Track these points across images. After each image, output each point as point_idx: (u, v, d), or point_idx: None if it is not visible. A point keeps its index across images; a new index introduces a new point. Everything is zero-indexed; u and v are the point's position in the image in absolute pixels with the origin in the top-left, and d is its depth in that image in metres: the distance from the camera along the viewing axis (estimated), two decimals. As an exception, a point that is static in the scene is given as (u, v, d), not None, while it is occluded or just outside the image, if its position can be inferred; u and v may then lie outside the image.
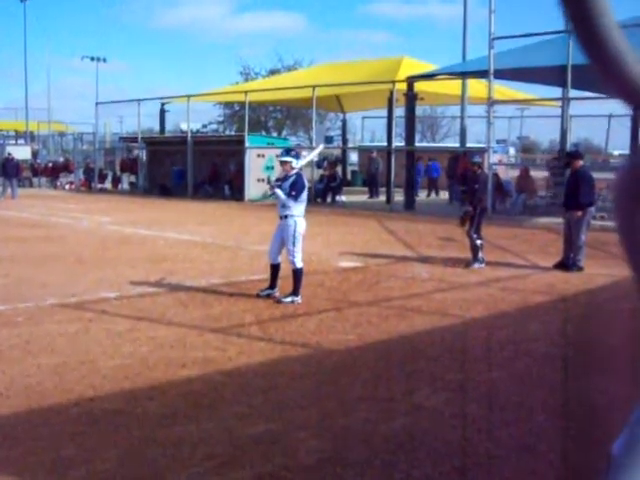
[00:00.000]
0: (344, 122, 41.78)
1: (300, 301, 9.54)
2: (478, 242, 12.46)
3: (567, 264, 12.19)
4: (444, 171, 29.27)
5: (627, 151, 28.52)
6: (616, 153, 26.44)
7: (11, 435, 5.09)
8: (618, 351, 7.17)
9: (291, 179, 9.81)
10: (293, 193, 9.58)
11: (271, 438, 5.08)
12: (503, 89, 28.46)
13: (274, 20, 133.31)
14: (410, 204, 24.93)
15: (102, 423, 5.31)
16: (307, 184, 10.14)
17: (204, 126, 58.75)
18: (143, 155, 35.97)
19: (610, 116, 31.68)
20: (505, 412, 5.77)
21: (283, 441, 5.04)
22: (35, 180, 40.54)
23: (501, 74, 22.52)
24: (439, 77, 26.67)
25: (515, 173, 26.79)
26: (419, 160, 29.03)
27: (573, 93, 21.04)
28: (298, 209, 9.74)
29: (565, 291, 10.71)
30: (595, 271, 12.21)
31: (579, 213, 12.15)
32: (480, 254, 12.52)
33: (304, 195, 9.86)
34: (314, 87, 27.84)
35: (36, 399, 5.74)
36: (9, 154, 32.86)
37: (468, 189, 12.77)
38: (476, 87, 26.60)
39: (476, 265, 12.41)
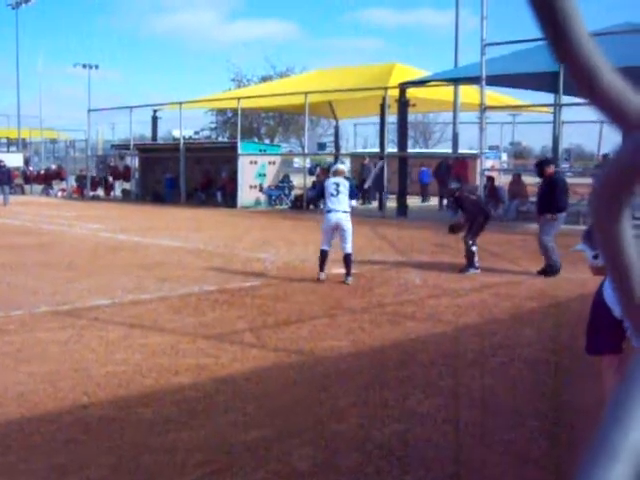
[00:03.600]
0: (336, 129, 41.82)
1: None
2: (473, 248, 12.48)
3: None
4: (433, 176, 29.34)
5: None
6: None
7: (4, 443, 5.07)
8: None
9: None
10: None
11: (264, 445, 5.08)
12: (495, 95, 28.58)
13: (266, 27, 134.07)
14: (402, 210, 24.97)
15: (95, 430, 5.30)
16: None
17: (196, 133, 58.77)
18: (135, 162, 35.96)
19: (602, 122, 31.70)
20: (498, 418, 5.78)
21: (276, 448, 5.04)
22: (27, 187, 40.46)
23: (493, 80, 22.60)
24: (431, 83, 26.75)
25: (508, 179, 26.86)
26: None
27: (565, 99, 21.13)
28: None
29: (558, 297, 10.74)
30: (588, 276, 12.23)
31: (549, 216, 12.30)
32: (475, 260, 12.55)
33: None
34: (306, 94, 27.88)
35: (29, 407, 5.73)
36: (1, 161, 32.81)
37: (466, 208, 12.77)
38: (468, 93, 26.69)
39: (471, 271, 12.43)
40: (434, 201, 28.96)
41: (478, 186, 22.51)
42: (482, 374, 6.94)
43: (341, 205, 11.52)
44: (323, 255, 11.67)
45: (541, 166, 12.99)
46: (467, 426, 5.58)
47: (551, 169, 12.66)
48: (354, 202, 11.94)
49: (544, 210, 12.47)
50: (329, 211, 11.64)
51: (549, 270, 12.10)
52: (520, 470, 4.80)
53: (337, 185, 11.62)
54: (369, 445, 5.10)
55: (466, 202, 12.68)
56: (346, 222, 11.56)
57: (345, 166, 13.79)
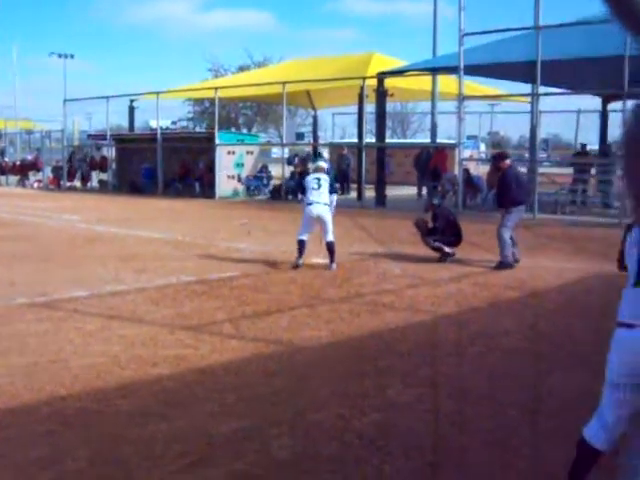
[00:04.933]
0: (315, 118, 41.76)
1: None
2: (436, 244, 12.64)
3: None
4: (412, 166, 29.34)
5: (596, 146, 28.75)
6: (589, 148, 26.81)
7: (-20, 436, 5.03)
8: (588, 345, 7.25)
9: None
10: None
11: (244, 435, 5.07)
12: (474, 85, 28.63)
13: (242, 17, 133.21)
14: (381, 200, 24.99)
15: (73, 422, 5.26)
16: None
17: (173, 123, 58.40)
18: (112, 152, 35.71)
19: (579, 112, 31.90)
20: (477, 406, 5.80)
21: (256, 438, 5.03)
22: (2, 178, 40.09)
23: (471, 70, 22.63)
24: (409, 73, 26.75)
25: (486, 169, 26.94)
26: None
27: (542, 89, 21.20)
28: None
29: (536, 286, 10.80)
30: (565, 265, 12.34)
31: (503, 211, 12.38)
32: (447, 249, 12.63)
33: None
34: (284, 83, 27.79)
35: (5, 399, 5.68)
36: None
37: (439, 226, 12.85)
38: (446, 83, 26.70)
39: (448, 257, 12.55)
40: (411, 190, 28.94)
41: (457, 175, 22.60)
42: (461, 363, 6.97)
43: (322, 198, 12.04)
44: (302, 244, 11.98)
45: (496, 160, 13.07)
46: (446, 415, 5.60)
47: (506, 163, 12.67)
48: (335, 196, 12.44)
49: (500, 204, 12.56)
50: (310, 203, 12.08)
51: (500, 265, 12.10)
52: (500, 458, 4.82)
53: (318, 180, 12.18)
54: (349, 435, 5.10)
55: (443, 221, 12.80)
56: (327, 214, 12.06)
57: (325, 161, 14.15)
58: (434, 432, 5.31)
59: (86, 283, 10.58)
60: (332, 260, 11.96)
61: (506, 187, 12.33)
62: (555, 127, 48.02)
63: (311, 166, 12.84)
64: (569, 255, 13.62)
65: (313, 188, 12.09)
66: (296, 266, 11.89)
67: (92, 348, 7.20)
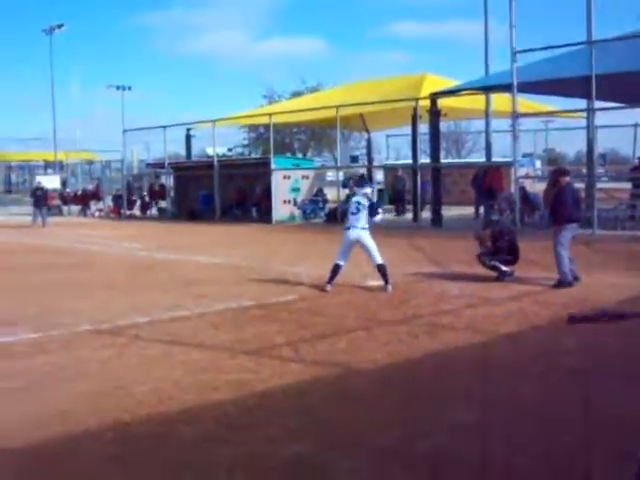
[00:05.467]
0: (369, 141, 41.82)
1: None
2: (492, 262, 12.55)
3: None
4: (470, 185, 29.11)
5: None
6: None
7: (46, 462, 5.14)
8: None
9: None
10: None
11: (306, 460, 5.07)
12: (528, 102, 28.36)
13: (295, 44, 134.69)
14: (437, 220, 24.88)
15: (137, 448, 5.34)
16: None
17: (230, 150, 59.18)
18: (170, 181, 36.29)
19: (636, 125, 31.42)
20: (539, 428, 5.71)
21: (318, 462, 5.03)
22: (65, 208, 41.02)
23: (525, 87, 22.45)
24: (462, 92, 26.65)
25: (542, 186, 26.59)
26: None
27: (598, 104, 20.93)
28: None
29: (596, 304, 10.60)
30: (625, 281, 12.10)
31: (557, 228, 12.20)
32: (504, 267, 12.51)
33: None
34: (337, 107, 27.95)
35: (71, 425, 5.79)
36: (38, 183, 33.42)
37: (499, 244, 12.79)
38: (500, 101, 26.51)
39: (506, 277, 12.43)
40: (467, 210, 28.72)
41: (513, 194, 22.38)
42: (523, 384, 6.88)
43: (359, 222, 12.10)
44: (336, 268, 12.12)
45: (556, 174, 12.86)
46: (508, 436, 5.52)
47: (566, 179, 12.49)
48: (379, 217, 12.44)
49: (555, 221, 12.38)
50: (348, 228, 12.23)
51: (559, 283, 11.91)
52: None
53: (358, 204, 12.25)
54: (412, 458, 5.08)
55: (502, 239, 12.68)
56: (365, 237, 12.10)
57: (370, 186, 14.66)
58: (498, 453, 5.24)
59: (147, 309, 10.75)
60: (387, 282, 11.96)
61: (562, 204, 12.16)
62: (612, 142, 47.22)
63: (357, 190, 12.89)
64: (630, 271, 13.34)
65: (352, 212, 12.24)
66: (323, 290, 11.98)
67: (154, 373, 7.31)
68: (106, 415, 6.02)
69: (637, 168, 25.67)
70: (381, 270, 12.01)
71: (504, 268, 12.54)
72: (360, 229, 12.06)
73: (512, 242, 12.80)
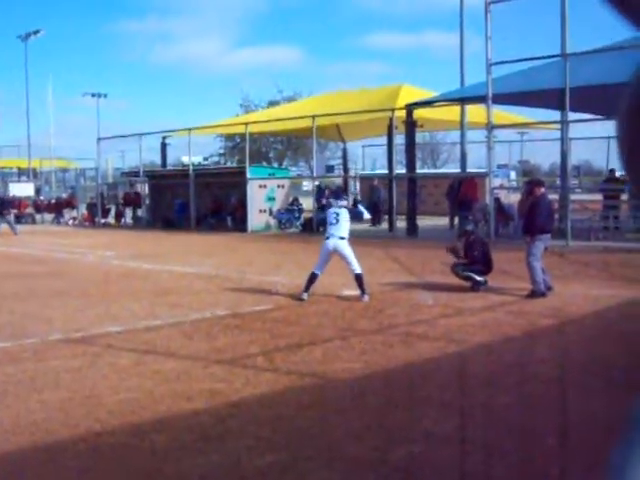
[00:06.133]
0: (344, 151, 41.93)
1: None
2: (465, 273, 12.61)
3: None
4: (444, 196, 29.27)
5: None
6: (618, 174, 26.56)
7: (17, 472, 5.06)
8: (625, 372, 7.13)
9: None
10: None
11: (280, 469, 5.04)
12: (503, 114, 28.58)
13: (271, 54, 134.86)
14: (412, 231, 24.95)
15: (109, 458, 5.28)
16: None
17: (205, 159, 59.07)
18: (145, 189, 36.12)
19: (609, 137, 31.73)
20: (514, 437, 5.72)
21: (292, 472, 5.00)
22: (38, 217, 40.68)
23: (500, 99, 22.63)
24: (438, 104, 26.80)
25: (517, 197, 26.78)
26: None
27: (572, 116, 21.13)
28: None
29: (570, 314, 10.68)
30: (599, 292, 12.20)
31: (528, 239, 12.26)
32: (478, 277, 12.56)
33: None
34: (314, 117, 27.99)
35: (42, 435, 5.71)
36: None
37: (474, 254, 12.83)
38: (475, 112, 26.73)
39: (480, 285, 12.48)
40: (442, 220, 28.87)
41: (488, 204, 22.50)
42: (497, 393, 6.89)
43: (339, 232, 12.18)
44: (313, 277, 12.18)
45: (532, 185, 12.94)
46: (484, 446, 5.53)
47: (541, 190, 12.58)
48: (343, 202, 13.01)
49: (528, 232, 12.41)
50: (328, 237, 12.32)
51: (533, 293, 11.97)
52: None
53: (337, 214, 12.34)
54: (386, 467, 5.06)
55: (476, 249, 12.74)
56: (344, 247, 12.14)
57: (345, 200, 15.66)
58: (472, 463, 5.23)
59: (120, 318, 10.66)
60: (363, 291, 11.98)
61: (537, 214, 12.24)
62: (586, 154, 47.77)
63: (334, 202, 13.24)
64: (604, 281, 13.47)
65: (331, 223, 12.33)
66: (300, 298, 12.00)
67: (127, 383, 7.24)
68: (77, 425, 5.94)
69: (609, 180, 25.92)
70: (358, 279, 12.03)
71: (478, 278, 12.60)
72: (338, 238, 12.11)
73: (486, 252, 12.86)
